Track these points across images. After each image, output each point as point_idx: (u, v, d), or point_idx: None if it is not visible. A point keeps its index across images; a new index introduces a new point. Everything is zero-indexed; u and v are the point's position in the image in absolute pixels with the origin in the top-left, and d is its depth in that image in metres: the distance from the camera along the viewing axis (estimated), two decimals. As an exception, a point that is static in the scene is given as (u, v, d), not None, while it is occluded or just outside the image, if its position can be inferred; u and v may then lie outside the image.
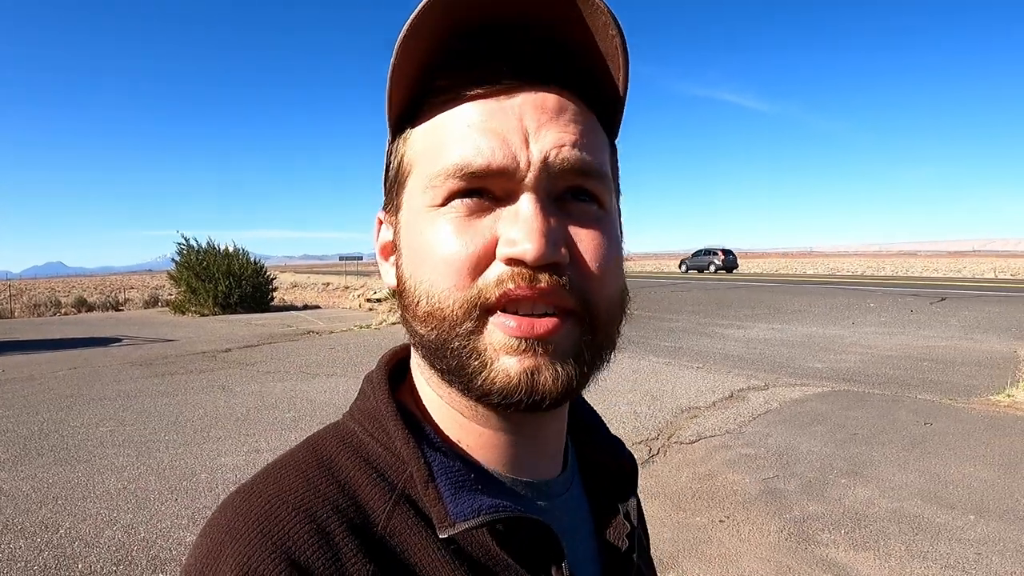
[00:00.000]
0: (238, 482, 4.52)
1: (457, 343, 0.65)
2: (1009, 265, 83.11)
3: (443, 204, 0.66)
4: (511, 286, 0.62)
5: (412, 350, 0.78)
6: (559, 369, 0.64)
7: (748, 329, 18.53)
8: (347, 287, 38.09)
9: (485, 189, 0.65)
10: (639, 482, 0.96)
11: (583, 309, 0.66)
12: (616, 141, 0.76)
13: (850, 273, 59.16)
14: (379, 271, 0.80)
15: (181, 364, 13.51)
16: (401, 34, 0.63)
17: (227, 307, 25.89)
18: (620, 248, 0.72)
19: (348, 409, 0.79)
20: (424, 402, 0.76)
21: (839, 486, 6.25)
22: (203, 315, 25.25)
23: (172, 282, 27.87)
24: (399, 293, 0.72)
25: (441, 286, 0.65)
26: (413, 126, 0.71)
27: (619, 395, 10.09)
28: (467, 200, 0.65)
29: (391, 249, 0.77)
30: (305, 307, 28.84)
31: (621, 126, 0.75)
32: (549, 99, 0.67)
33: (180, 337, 18.46)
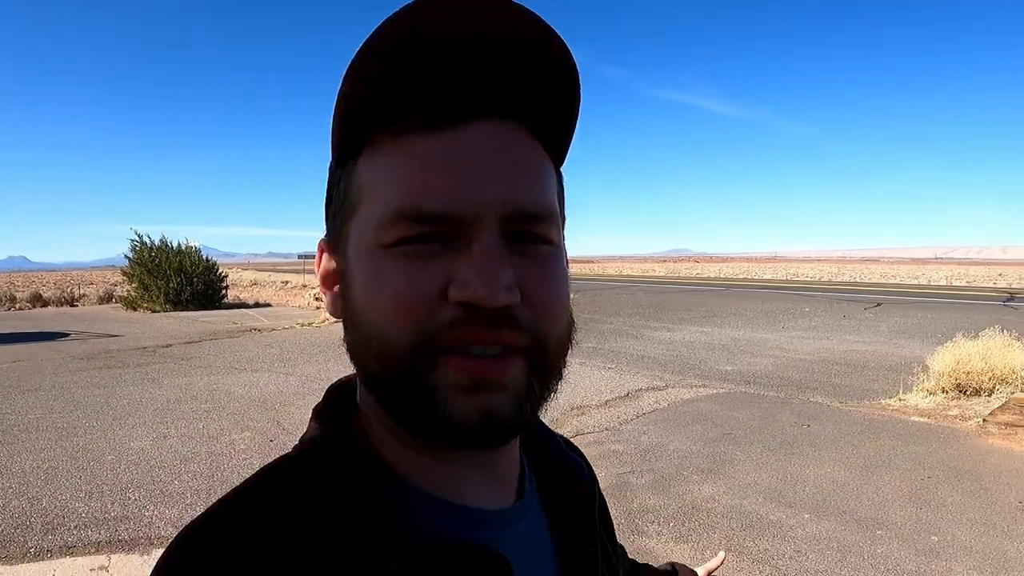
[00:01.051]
0: (140, 463, 6.00)
1: (407, 383, 0.64)
2: (967, 272, 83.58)
3: (393, 244, 0.64)
4: (463, 329, 0.62)
5: (359, 383, 0.77)
6: (511, 407, 0.64)
7: (677, 331, 18.99)
8: (305, 285, 38.19)
9: (436, 232, 0.63)
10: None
11: (534, 346, 0.65)
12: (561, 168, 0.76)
13: (808, 278, 59.59)
14: (323, 301, 0.79)
15: (120, 358, 13.90)
16: (354, 59, 0.62)
17: (178, 304, 26.01)
18: (567, 282, 0.71)
19: (300, 440, 0.78)
20: (372, 433, 0.75)
21: (689, 482, 6.57)
22: (154, 311, 25.33)
23: (126, 278, 27.93)
24: (346, 328, 0.71)
25: (393, 327, 0.64)
26: (359, 156, 0.69)
27: (519, 392, 10.51)
28: (416, 239, 0.63)
29: (335, 279, 0.74)
30: (256, 305, 28.94)
31: (568, 153, 0.75)
32: (500, 134, 0.66)
33: (127, 333, 18.73)
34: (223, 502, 0.70)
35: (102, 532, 5.35)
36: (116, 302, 29.34)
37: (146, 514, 5.69)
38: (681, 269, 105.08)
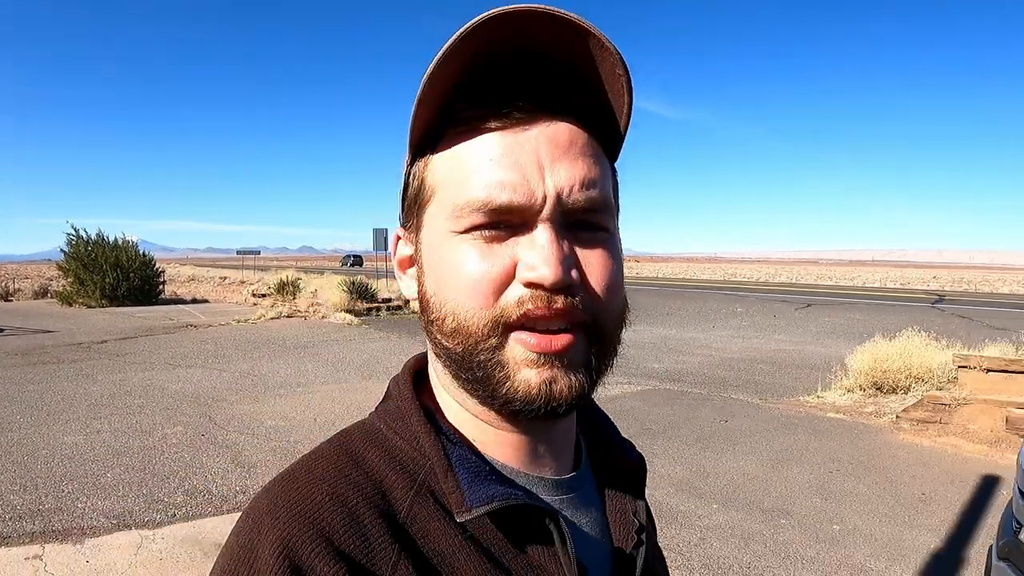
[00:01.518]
0: (74, 457, 6.03)
1: (483, 356, 0.70)
2: (902, 275, 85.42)
3: (465, 231, 0.71)
4: (530, 307, 0.68)
5: (431, 359, 0.83)
6: (572, 378, 0.70)
7: (617, 327, 19.30)
8: (243, 281, 37.86)
9: (504, 220, 0.70)
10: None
11: (592, 323, 0.71)
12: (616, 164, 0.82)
13: (745, 279, 60.32)
14: (399, 284, 0.86)
15: (55, 354, 13.74)
16: (431, 65, 0.68)
17: (114, 299, 25.53)
18: (621, 266, 0.77)
19: (374, 409, 0.85)
20: (443, 405, 0.82)
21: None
22: (90, 307, 24.88)
23: (61, 273, 27.41)
24: (422, 308, 0.77)
25: (467, 306, 0.70)
26: (434, 151, 0.75)
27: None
28: (487, 226, 0.70)
29: (409, 263, 0.82)
30: (194, 301, 28.55)
31: (621, 152, 0.81)
32: (561, 132, 0.71)
33: (62, 328, 18.46)
34: (306, 466, 0.76)
35: (36, 523, 5.39)
36: (51, 297, 28.73)
37: (79, 506, 5.73)
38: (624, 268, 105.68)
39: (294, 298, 26.26)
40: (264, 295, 28.18)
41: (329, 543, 0.66)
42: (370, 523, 0.69)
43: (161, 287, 28.79)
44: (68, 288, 26.45)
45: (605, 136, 0.76)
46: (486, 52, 0.69)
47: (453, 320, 0.71)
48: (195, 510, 5.63)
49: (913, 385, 10.39)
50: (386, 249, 29.21)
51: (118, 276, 25.83)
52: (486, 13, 0.65)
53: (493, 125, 0.70)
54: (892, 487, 6.54)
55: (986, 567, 3.55)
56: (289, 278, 28.28)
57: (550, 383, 0.69)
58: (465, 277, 0.70)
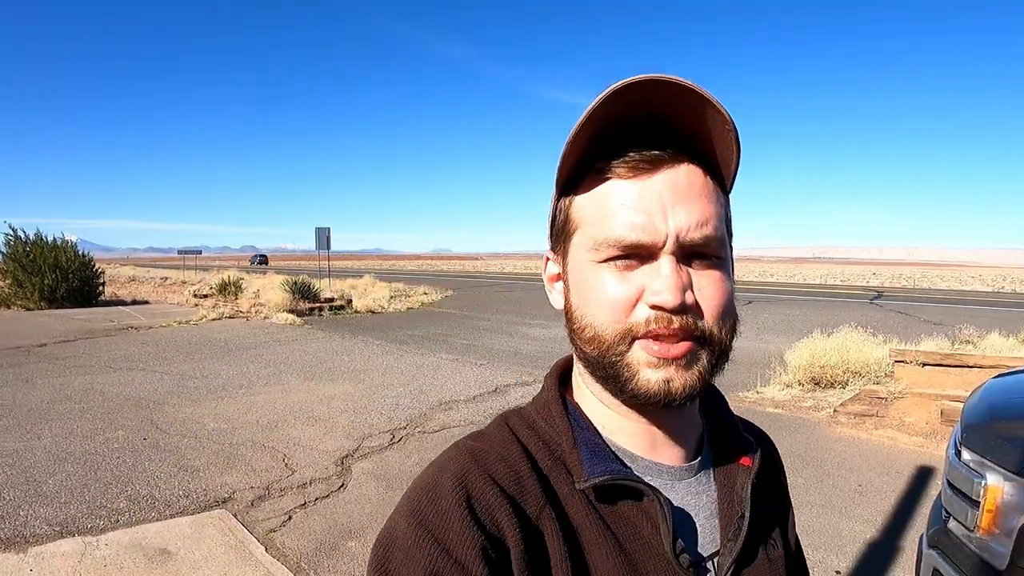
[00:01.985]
0: (14, 464, 6.21)
1: (613, 359, 0.85)
2: (843, 271, 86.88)
3: (604, 261, 0.85)
4: (655, 326, 0.82)
5: (575, 359, 0.98)
6: (686, 378, 0.84)
7: (552, 328, 19.32)
8: (184, 282, 37.32)
9: (634, 253, 0.83)
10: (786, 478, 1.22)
11: (705, 337, 0.85)
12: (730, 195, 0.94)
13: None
14: (548, 296, 1.02)
15: (-8, 358, 13.54)
16: (573, 129, 0.82)
17: (53, 301, 25.05)
18: (731, 288, 0.89)
19: (532, 399, 1.02)
20: (581, 398, 0.97)
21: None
22: (28, 309, 24.41)
23: (-1, 274, 26.86)
24: (567, 318, 0.92)
25: (603, 320, 0.85)
26: (576, 193, 0.89)
27: (391, 389, 10.80)
28: (620, 259, 0.84)
29: (557, 278, 0.97)
30: (134, 302, 28.14)
31: (734, 187, 0.92)
32: (680, 178, 0.84)
33: (0, 331, 18.13)
34: (477, 436, 0.95)
35: (-24, 531, 5.39)
36: (-12, 300, 28.15)
37: (21, 513, 5.71)
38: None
39: (236, 298, 26.04)
40: (206, 296, 27.89)
41: (494, 482, 0.84)
42: (525, 476, 0.87)
43: (101, 288, 28.25)
44: (6, 290, 25.87)
45: (718, 173, 0.89)
46: (615, 116, 0.82)
47: (591, 331, 0.86)
48: (138, 515, 5.64)
49: (851, 380, 10.63)
50: (328, 248, 29.04)
51: (57, 277, 25.29)
52: (613, 86, 0.79)
53: (624, 174, 0.84)
54: (829, 479, 6.73)
55: (917, 555, 3.67)
56: (231, 278, 28.02)
57: (668, 382, 0.83)
58: (603, 297, 0.85)
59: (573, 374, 1.01)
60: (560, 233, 0.94)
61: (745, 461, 1.01)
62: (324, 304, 24.13)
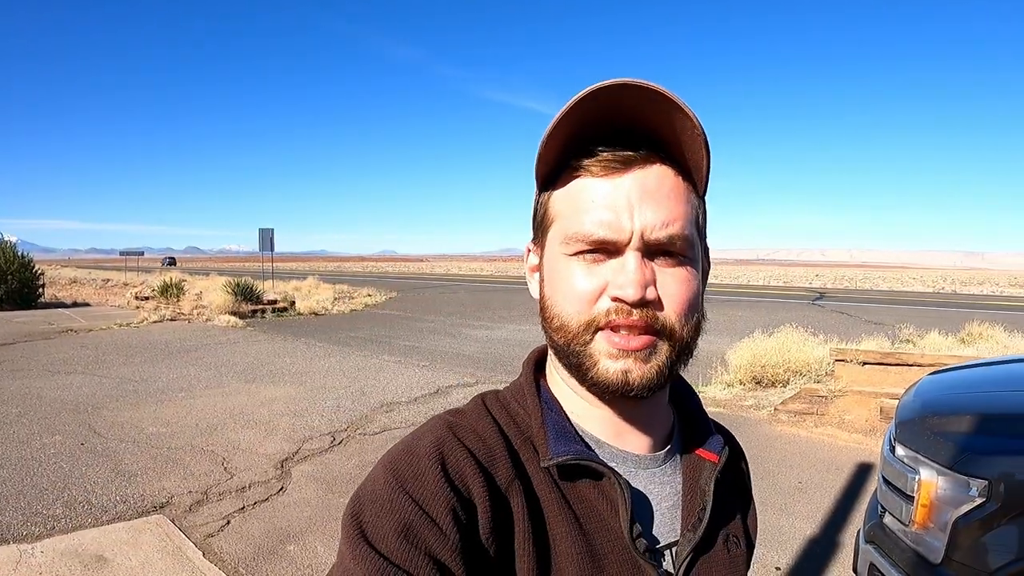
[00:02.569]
0: None
1: (577, 348, 0.89)
2: (786, 273, 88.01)
3: (574, 254, 0.89)
4: (615, 317, 0.86)
5: (549, 348, 1.02)
6: (644, 371, 0.87)
7: (494, 330, 19.52)
8: (126, 284, 36.67)
9: (602, 248, 0.87)
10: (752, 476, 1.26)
11: (666, 332, 0.88)
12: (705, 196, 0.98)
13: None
14: (528, 285, 1.05)
15: (-73, 363, 13.17)
16: (547, 130, 0.86)
17: (-10, 303, 24.54)
18: (697, 286, 0.92)
19: (509, 383, 1.07)
20: (554, 384, 1.01)
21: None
22: (-35, 312, 23.88)
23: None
24: (540, 307, 0.96)
25: (569, 310, 0.89)
26: (554, 188, 0.94)
27: (332, 391, 10.74)
28: (588, 251, 0.88)
29: (535, 269, 1.01)
30: (75, 304, 27.49)
31: (707, 187, 0.95)
32: (650, 179, 0.88)
33: (-67, 335, 17.61)
34: (455, 412, 0.99)
35: (-91, 538, 5.26)
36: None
37: (-45, 519, 5.61)
38: (509, 268, 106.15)
39: (178, 300, 25.60)
40: (147, 298, 27.35)
41: (468, 451, 0.88)
42: (497, 450, 0.90)
43: (41, 290, 27.59)
44: (-56, 293, 25.18)
45: (689, 173, 0.92)
46: (590, 118, 0.86)
47: (559, 320, 0.91)
48: (75, 522, 5.55)
49: (791, 379, 10.74)
50: (272, 250, 28.74)
51: (-6, 279, 24.73)
52: (585, 89, 0.83)
53: (596, 173, 0.88)
54: (770, 477, 6.81)
55: (855, 550, 3.71)
56: (173, 280, 27.51)
57: (627, 372, 0.87)
58: (570, 288, 0.89)
59: (547, 361, 1.06)
60: (539, 226, 0.99)
61: (711, 456, 1.04)
62: (267, 306, 23.87)
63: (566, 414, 0.98)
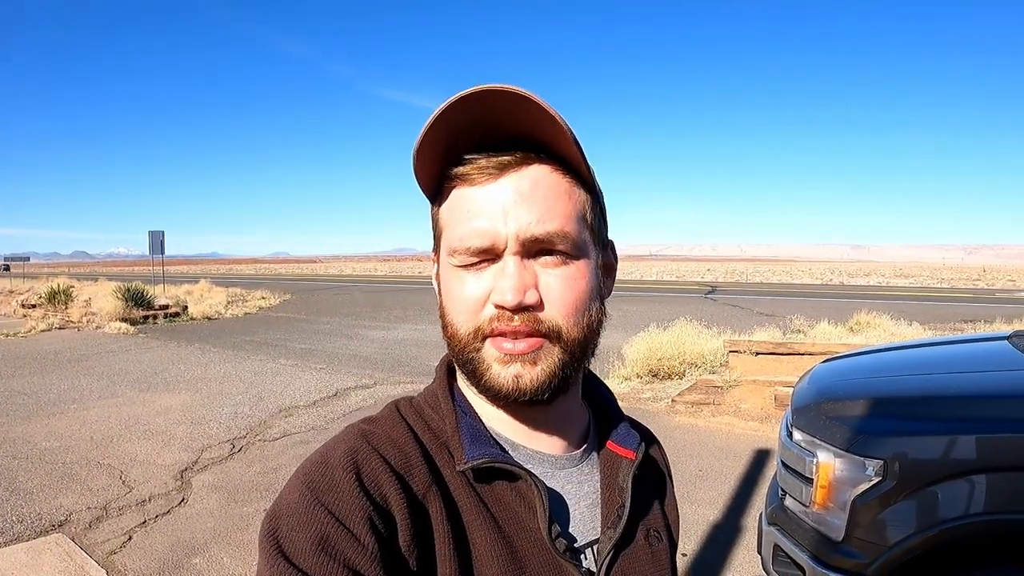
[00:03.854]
0: None
1: (469, 355, 0.89)
2: (678, 268, 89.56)
3: (458, 265, 0.89)
4: (497, 324, 0.86)
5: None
6: (535, 375, 0.87)
7: (391, 330, 19.38)
8: (11, 291, 34.75)
9: (482, 255, 0.87)
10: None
11: (553, 333, 0.87)
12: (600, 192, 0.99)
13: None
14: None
15: None
16: (414, 145, 0.85)
17: None
18: (588, 283, 0.91)
19: (423, 390, 1.05)
20: (467, 388, 1.00)
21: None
22: None
23: None
24: (440, 316, 0.96)
25: (458, 319, 0.89)
26: (440, 201, 0.93)
27: (229, 397, 10.51)
28: (473, 263, 0.88)
29: (437, 277, 0.99)
30: (-45, 314, 26.26)
31: (596, 180, 0.95)
32: (525, 180, 0.87)
33: None
34: (368, 420, 0.97)
35: None
36: None
37: None
38: (403, 268, 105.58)
39: (67, 308, 24.60)
40: (35, 305, 26.18)
41: (383, 459, 0.86)
42: (412, 457, 0.89)
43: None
44: None
45: (572, 172, 0.91)
46: (463, 127, 0.85)
47: (452, 328, 0.91)
48: (-33, 543, 5.32)
49: (688, 370, 10.90)
50: (163, 253, 27.91)
51: None
52: (446, 101, 0.82)
53: (472, 181, 0.88)
54: (671, 466, 6.95)
55: (758, 533, 3.80)
56: (61, 286, 26.39)
57: (518, 378, 0.87)
58: (458, 297, 0.89)
59: None
60: (434, 237, 0.99)
61: (628, 454, 1.04)
62: (159, 311, 23.17)
63: (480, 418, 0.97)
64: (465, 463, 0.90)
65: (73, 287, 27.55)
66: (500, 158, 0.87)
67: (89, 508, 6.05)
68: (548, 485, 0.94)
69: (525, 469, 0.91)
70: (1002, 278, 61.92)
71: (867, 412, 3.39)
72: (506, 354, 0.87)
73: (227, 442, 8.06)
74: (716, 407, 9.22)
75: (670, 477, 1.24)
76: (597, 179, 0.97)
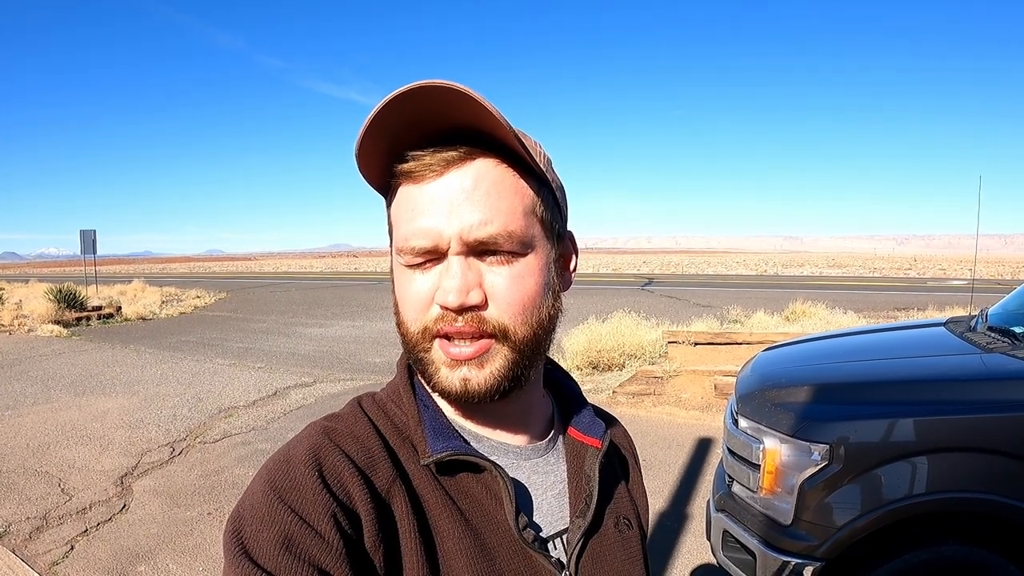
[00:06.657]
0: None
1: (420, 355, 0.88)
2: (614, 261, 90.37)
3: (406, 265, 0.87)
4: (442, 325, 0.84)
5: None
6: (483, 377, 0.85)
7: (329, 327, 19.15)
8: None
9: (428, 255, 0.84)
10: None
11: (500, 332, 0.85)
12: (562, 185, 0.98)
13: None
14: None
15: None
16: (354, 145, 0.82)
17: None
18: (537, 280, 0.88)
19: (384, 386, 1.03)
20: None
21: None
22: None
23: None
24: (394, 312, 0.94)
25: (409, 317, 0.88)
26: (390, 200, 0.91)
27: (167, 399, 10.21)
28: (419, 263, 0.86)
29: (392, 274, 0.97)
30: None
31: (550, 171, 0.92)
32: (468, 177, 0.84)
33: None
34: (331, 417, 0.95)
35: None
36: None
37: None
38: (339, 264, 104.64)
39: (-4, 311, 23.84)
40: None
41: (346, 456, 0.84)
42: (376, 452, 0.87)
43: None
44: None
45: (519, 165, 0.88)
46: (396, 125, 0.82)
47: (403, 327, 0.90)
48: (-99, 560, 5.05)
49: (627, 362, 10.85)
50: (95, 252, 27.14)
51: None
52: (381, 101, 0.79)
53: (417, 179, 0.85)
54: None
55: (707, 520, 3.84)
56: (-11, 290, 25.57)
57: (466, 381, 0.85)
58: (407, 295, 0.88)
59: None
60: (389, 236, 0.96)
61: (594, 442, 1.03)
62: (92, 313, 22.47)
63: (443, 411, 0.96)
64: (429, 456, 0.89)
65: (3, 289, 26.67)
66: (444, 154, 0.84)
67: (28, 518, 5.82)
68: (514, 476, 0.94)
69: (490, 460, 0.90)
70: (933, 267, 63.41)
71: (811, 398, 3.42)
72: (452, 357, 0.86)
73: (167, 445, 7.84)
74: (657, 397, 9.24)
75: (636, 462, 1.22)
76: (554, 169, 0.95)
